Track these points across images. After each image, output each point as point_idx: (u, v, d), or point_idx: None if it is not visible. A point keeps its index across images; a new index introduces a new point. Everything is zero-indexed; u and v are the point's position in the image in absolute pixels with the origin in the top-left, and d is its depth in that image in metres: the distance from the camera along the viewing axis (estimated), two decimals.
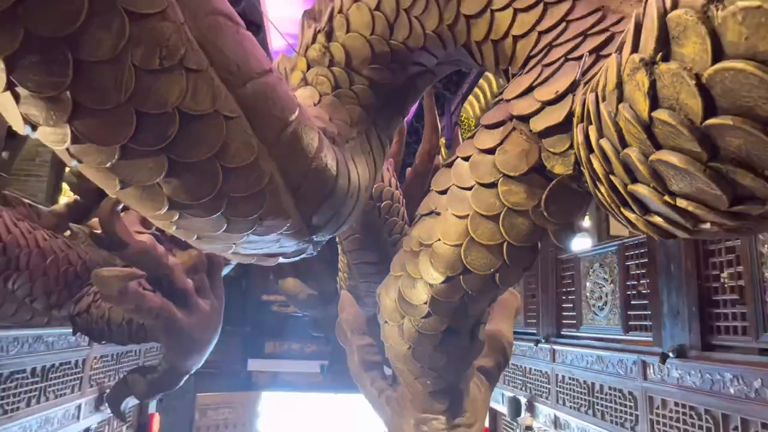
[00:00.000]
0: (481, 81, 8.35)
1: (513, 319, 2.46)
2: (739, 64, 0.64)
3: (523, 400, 6.86)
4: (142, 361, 7.16)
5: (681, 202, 0.84)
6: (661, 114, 0.76)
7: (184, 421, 9.88)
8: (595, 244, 6.55)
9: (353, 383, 8.35)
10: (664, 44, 0.73)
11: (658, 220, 0.96)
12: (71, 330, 3.65)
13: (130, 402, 5.49)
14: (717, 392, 3.70)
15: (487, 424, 5.70)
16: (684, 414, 4.01)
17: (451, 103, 9.65)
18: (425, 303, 1.56)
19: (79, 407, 5.51)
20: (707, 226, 0.88)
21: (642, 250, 4.89)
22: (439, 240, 1.50)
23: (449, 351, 1.67)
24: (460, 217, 1.45)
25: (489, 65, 1.76)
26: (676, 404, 4.11)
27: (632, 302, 4.99)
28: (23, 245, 2.98)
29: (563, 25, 1.46)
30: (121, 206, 2.64)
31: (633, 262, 5.03)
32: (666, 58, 0.73)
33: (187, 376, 3.15)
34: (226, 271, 3.63)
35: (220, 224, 1.35)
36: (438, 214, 1.55)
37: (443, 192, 1.55)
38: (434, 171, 4.35)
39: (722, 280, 3.87)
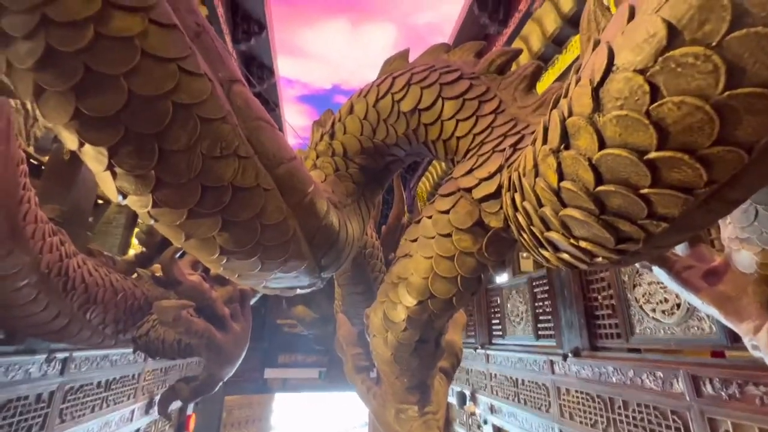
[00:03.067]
0: (430, 168, 8.62)
1: (462, 331, 2.40)
2: (616, 151, 0.67)
3: (468, 393, 6.58)
4: (184, 373, 6.63)
5: (582, 243, 0.86)
6: (566, 184, 0.79)
7: (213, 418, 9.04)
8: (510, 278, 6.59)
9: (343, 385, 7.92)
10: (565, 139, 0.78)
11: (565, 256, 0.97)
12: (132, 349, 3.38)
13: (175, 404, 5.03)
14: (604, 381, 3.64)
15: None
16: (583, 398, 3.91)
17: (410, 181, 9.89)
18: (403, 320, 1.51)
19: (132, 411, 4.99)
20: (599, 259, 0.89)
21: (544, 281, 4.94)
22: (413, 274, 1.48)
23: (420, 356, 1.61)
24: (426, 258, 1.44)
25: (440, 156, 1.82)
26: (577, 391, 4.01)
27: (540, 317, 4.97)
28: (100, 284, 2.80)
29: (489, 129, 1.53)
30: (178, 254, 2.53)
31: (538, 289, 5.06)
32: (567, 148, 0.77)
33: (222, 383, 2.92)
34: (252, 301, 3.47)
35: (256, 266, 1.30)
36: (410, 256, 1.54)
37: (414, 240, 1.55)
38: (401, 228, 4.39)
39: (600, 300, 3.92)
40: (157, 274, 2.74)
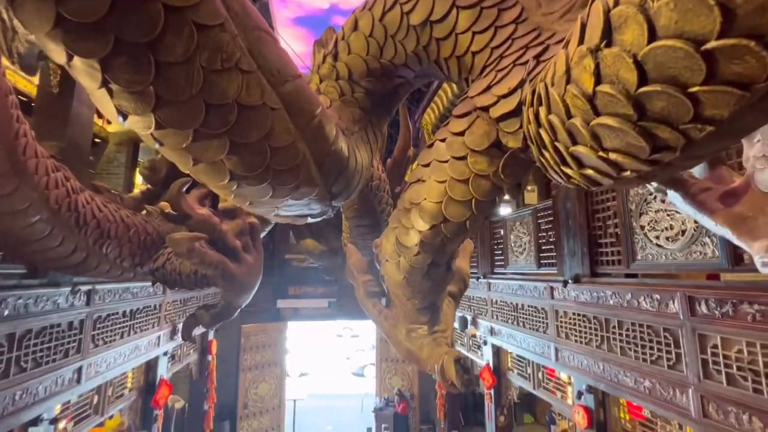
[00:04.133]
0: (435, 98, 8.23)
1: (469, 258, 2.46)
2: (669, 42, 0.60)
3: (469, 318, 7.00)
4: (202, 303, 7.03)
5: (612, 155, 0.81)
6: (603, 88, 0.72)
7: (233, 343, 9.81)
8: (514, 210, 6.63)
9: (351, 313, 8.39)
10: (607, 34, 0.69)
11: (590, 172, 0.93)
12: (150, 282, 3.53)
13: (197, 331, 5.39)
14: (601, 304, 3.82)
15: None
16: (579, 319, 4.14)
17: (415, 113, 9.52)
18: (416, 245, 1.52)
19: (158, 337, 5.39)
20: (627, 173, 0.85)
21: (549, 212, 4.96)
22: (425, 199, 1.46)
23: (432, 279, 1.65)
24: (440, 182, 1.41)
25: (453, 75, 1.69)
26: (574, 314, 4.24)
27: (542, 247, 5.08)
28: (111, 220, 2.83)
29: (509, 41, 1.40)
30: (185, 188, 2.52)
31: (543, 220, 5.11)
32: (609, 45, 0.69)
33: (239, 310, 3.08)
34: (262, 235, 3.53)
35: (267, 192, 1.27)
36: (423, 181, 1.50)
37: (426, 165, 1.50)
38: (407, 161, 4.30)
39: (604, 229, 3.96)
40: (167, 211, 2.75)
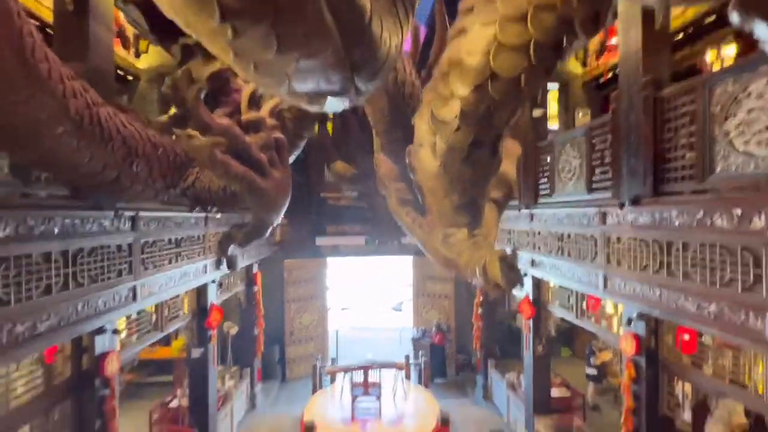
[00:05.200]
0: None
1: (515, 162, 2.15)
2: None
3: (508, 251, 6.77)
4: None
5: None
6: None
7: (278, 278, 10.37)
8: (563, 132, 6.01)
9: (387, 249, 8.39)
10: None
11: None
12: (188, 208, 3.55)
13: (243, 262, 5.58)
14: (664, 226, 3.41)
15: None
16: (635, 245, 3.77)
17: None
18: (456, 117, 1.25)
19: (205, 266, 5.68)
20: None
21: (605, 129, 4.39)
22: (468, 54, 1.15)
23: (474, 164, 1.39)
24: (487, 25, 1.09)
25: None
26: (629, 238, 3.86)
27: (596, 170, 4.59)
28: (138, 138, 2.77)
29: None
30: (203, 93, 2.35)
31: (598, 139, 4.55)
32: None
33: (271, 228, 3.04)
34: (292, 158, 3.39)
35: (271, 42, 1.04)
36: (465, 32, 1.19)
37: (470, 9, 1.18)
38: None
39: (675, 141, 3.42)
40: (193, 134, 2.63)
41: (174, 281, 4.75)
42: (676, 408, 3.60)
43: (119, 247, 3.74)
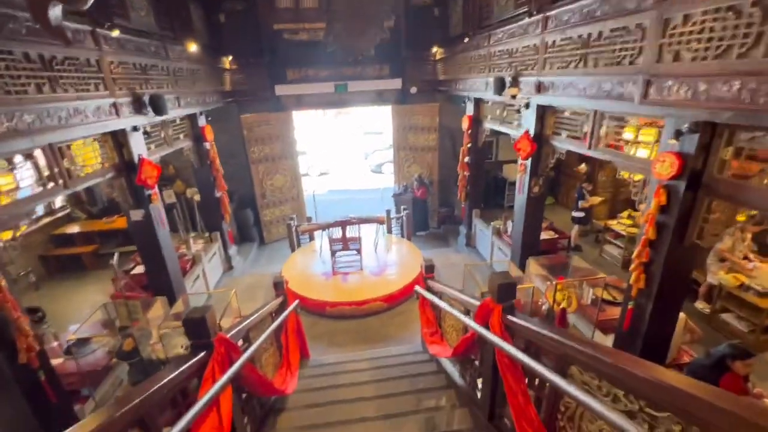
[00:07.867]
0: None
1: None
2: None
3: (508, 78, 5.46)
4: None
5: None
6: None
7: (237, 136, 9.00)
8: None
9: (358, 99, 6.74)
10: None
11: None
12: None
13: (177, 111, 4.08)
14: None
15: None
16: (714, 22, 2.55)
17: None
18: None
19: (114, 105, 4.26)
20: None
21: None
22: None
23: None
24: None
25: None
26: (705, 14, 2.62)
27: None
28: None
29: None
30: None
31: None
32: None
33: None
34: None
35: None
36: None
37: None
38: None
39: None
40: None
41: (58, 119, 3.42)
42: (709, 237, 2.99)
43: None
